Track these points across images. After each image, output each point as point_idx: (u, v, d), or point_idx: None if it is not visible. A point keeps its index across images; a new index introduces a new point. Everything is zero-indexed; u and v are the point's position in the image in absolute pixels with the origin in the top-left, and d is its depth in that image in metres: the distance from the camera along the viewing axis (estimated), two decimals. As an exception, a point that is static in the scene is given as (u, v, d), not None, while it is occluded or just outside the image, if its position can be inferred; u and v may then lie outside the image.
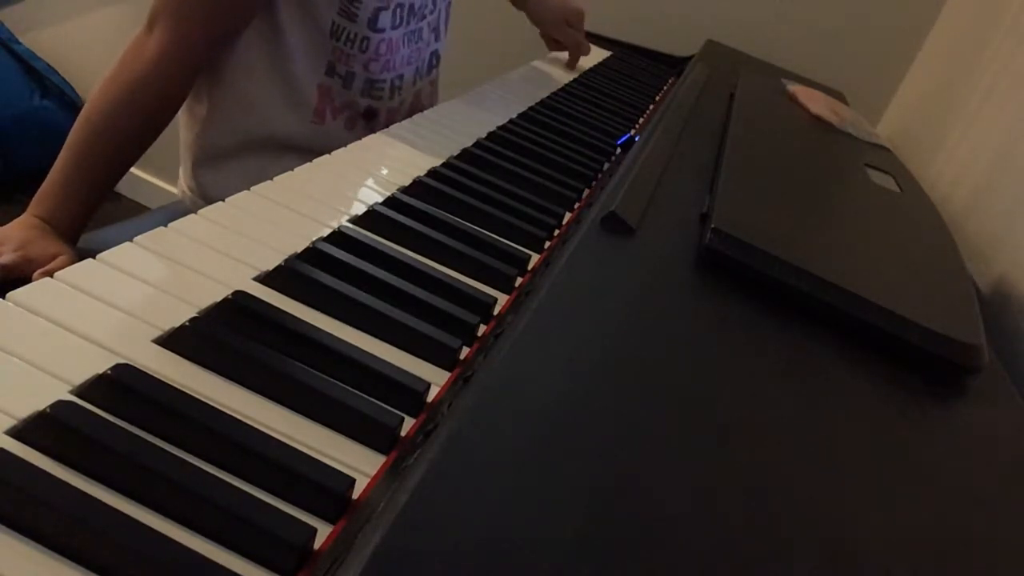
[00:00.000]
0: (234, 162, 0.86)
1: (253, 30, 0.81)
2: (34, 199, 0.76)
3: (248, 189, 0.51)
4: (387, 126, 0.92)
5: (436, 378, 0.39)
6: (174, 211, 0.89)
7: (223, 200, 0.48)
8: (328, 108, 0.87)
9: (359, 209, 0.52)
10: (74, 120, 0.75)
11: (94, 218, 0.78)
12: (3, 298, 0.34)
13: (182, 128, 0.88)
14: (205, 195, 0.88)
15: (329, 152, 0.61)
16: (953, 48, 1.24)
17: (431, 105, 1.00)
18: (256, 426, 0.32)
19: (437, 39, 0.96)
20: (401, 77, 0.93)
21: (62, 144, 0.76)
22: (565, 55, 1.15)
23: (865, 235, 0.61)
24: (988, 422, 0.44)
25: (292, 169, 0.56)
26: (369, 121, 0.91)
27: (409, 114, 0.95)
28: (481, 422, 0.29)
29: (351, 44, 0.85)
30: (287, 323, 0.38)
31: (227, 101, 0.84)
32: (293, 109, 0.85)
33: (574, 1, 1.15)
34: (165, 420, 0.30)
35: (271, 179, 0.53)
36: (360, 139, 0.89)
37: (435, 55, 0.97)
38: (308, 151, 0.84)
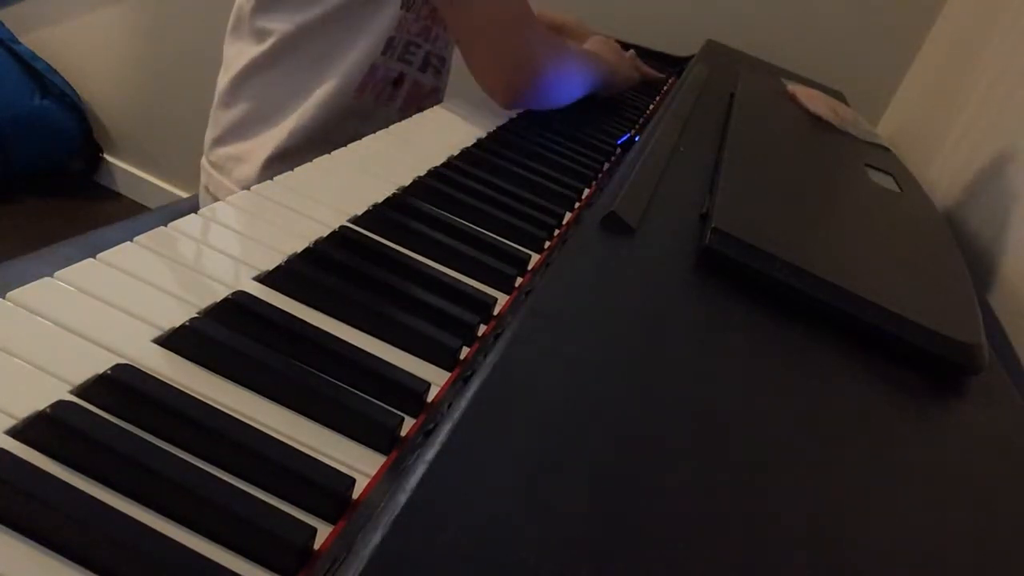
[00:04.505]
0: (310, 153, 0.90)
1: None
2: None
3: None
4: (408, 97, 0.94)
5: (436, 378, 0.38)
6: (174, 211, 0.90)
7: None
8: (370, 84, 0.90)
9: (359, 209, 0.52)
10: (74, 120, 0.76)
11: (94, 218, 0.79)
12: (3, 298, 0.34)
13: (253, 125, 0.90)
14: None
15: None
16: (953, 48, 1.24)
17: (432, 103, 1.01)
18: (256, 426, 0.32)
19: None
20: (443, 60, 0.96)
21: (62, 144, 0.77)
22: None
23: (865, 235, 0.61)
24: (988, 422, 0.44)
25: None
26: (396, 88, 0.93)
27: (418, 104, 0.97)
28: (481, 422, 0.29)
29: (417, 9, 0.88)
30: (287, 323, 0.38)
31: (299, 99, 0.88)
32: (341, 91, 0.88)
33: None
34: (165, 420, 0.30)
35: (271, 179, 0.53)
36: (386, 108, 0.92)
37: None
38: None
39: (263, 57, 0.88)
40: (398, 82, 0.93)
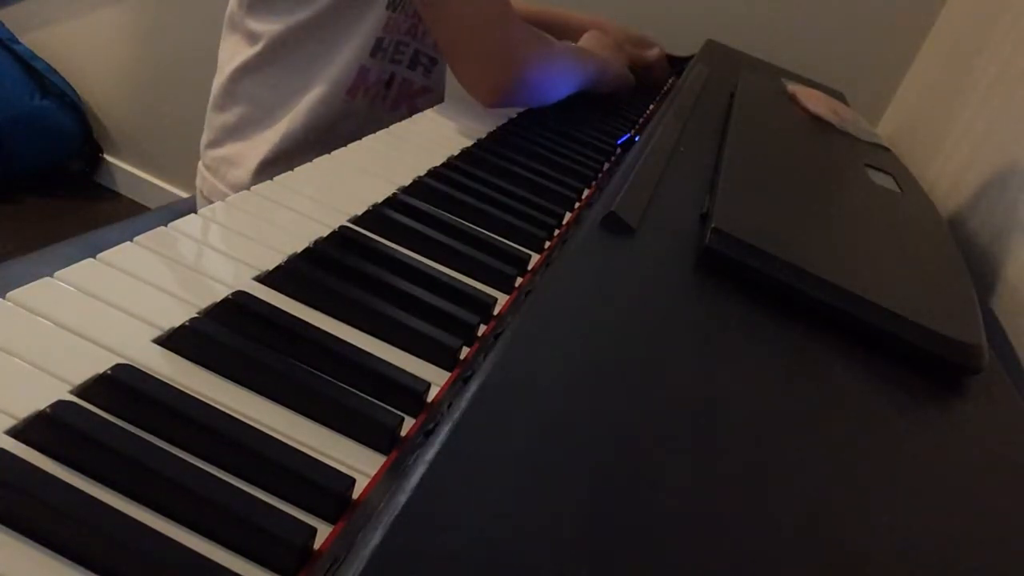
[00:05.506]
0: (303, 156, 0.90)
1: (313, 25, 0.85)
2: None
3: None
4: (397, 95, 0.94)
5: (436, 378, 0.39)
6: (174, 211, 0.90)
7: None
8: (362, 87, 0.89)
9: (359, 209, 0.52)
10: (74, 120, 0.76)
11: (94, 218, 0.79)
12: (3, 298, 0.34)
13: (245, 128, 0.90)
14: None
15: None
16: (953, 48, 1.24)
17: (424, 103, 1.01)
18: (256, 426, 0.32)
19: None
20: (433, 60, 0.95)
21: (62, 144, 0.77)
22: None
23: (865, 235, 0.61)
24: (988, 422, 0.44)
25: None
26: (388, 89, 0.93)
27: (408, 103, 0.97)
28: (481, 422, 0.29)
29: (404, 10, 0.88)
30: (287, 323, 0.38)
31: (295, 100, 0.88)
32: (331, 93, 0.88)
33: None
34: (165, 420, 0.30)
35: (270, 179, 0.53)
36: (380, 110, 0.92)
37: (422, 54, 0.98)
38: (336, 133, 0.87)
39: (254, 59, 0.88)
40: (390, 83, 0.93)
